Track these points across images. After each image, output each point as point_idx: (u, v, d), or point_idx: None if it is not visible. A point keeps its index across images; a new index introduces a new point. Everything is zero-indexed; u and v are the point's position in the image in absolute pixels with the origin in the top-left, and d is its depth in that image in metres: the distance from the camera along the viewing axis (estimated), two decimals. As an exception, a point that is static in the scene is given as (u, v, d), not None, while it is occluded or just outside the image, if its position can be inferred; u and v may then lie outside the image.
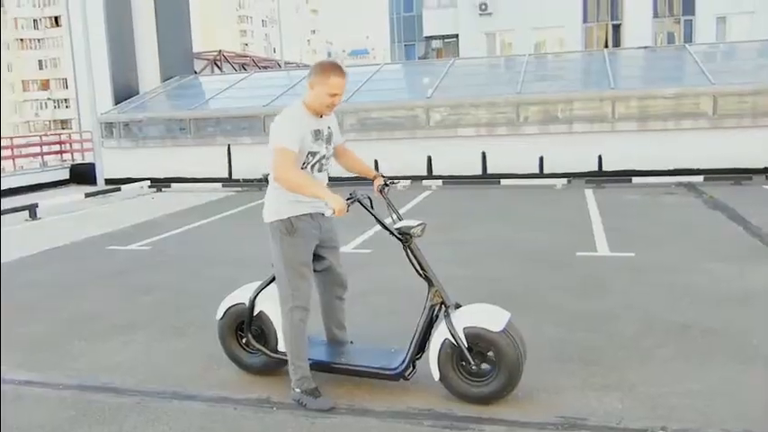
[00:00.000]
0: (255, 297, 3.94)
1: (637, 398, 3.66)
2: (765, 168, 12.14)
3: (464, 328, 3.53)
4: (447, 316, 3.59)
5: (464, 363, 3.59)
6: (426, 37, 29.64)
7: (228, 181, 14.75)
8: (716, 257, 6.74)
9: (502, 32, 26.93)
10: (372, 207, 3.67)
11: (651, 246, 7.34)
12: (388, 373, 3.69)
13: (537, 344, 4.13)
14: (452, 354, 3.59)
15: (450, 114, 13.95)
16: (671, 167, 12.42)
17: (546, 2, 25.53)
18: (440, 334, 3.62)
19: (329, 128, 3.70)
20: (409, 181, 12.86)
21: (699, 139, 12.31)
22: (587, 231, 8.23)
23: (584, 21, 26.93)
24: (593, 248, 7.34)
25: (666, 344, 4.44)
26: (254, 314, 3.96)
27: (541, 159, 13.07)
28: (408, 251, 3.63)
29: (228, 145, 14.83)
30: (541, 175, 13.04)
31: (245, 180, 14.47)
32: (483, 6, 26.40)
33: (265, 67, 26.63)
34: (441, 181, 13.28)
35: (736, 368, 4.03)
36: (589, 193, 11.27)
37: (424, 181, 13.37)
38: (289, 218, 3.57)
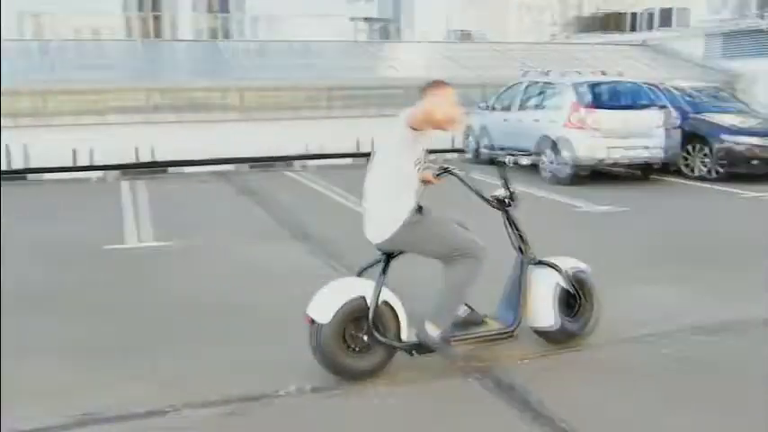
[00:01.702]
0: (380, 288, 3.78)
1: (162, 381, 3.83)
2: (287, 156, 13.50)
3: (572, 274, 4.19)
4: (555, 267, 4.16)
5: (569, 304, 4.21)
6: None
7: None
8: (246, 239, 7.30)
9: (37, 15, 24.85)
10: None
11: (188, 233, 7.59)
12: (506, 333, 4.04)
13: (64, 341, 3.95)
14: (562, 298, 4.15)
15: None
16: (206, 157, 12.99)
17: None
18: (547, 283, 4.12)
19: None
20: None
21: (230, 131, 13.09)
22: (119, 223, 8.13)
23: (126, 9, 26.45)
24: (123, 240, 7.30)
25: (198, 325, 4.72)
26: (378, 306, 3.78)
27: (74, 152, 12.46)
28: (506, 218, 4.14)
29: None
30: (76, 168, 12.44)
31: None
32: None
33: None
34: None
35: (256, 346, 4.45)
36: (126, 185, 11.15)
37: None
38: (408, 214, 3.76)
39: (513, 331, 4.05)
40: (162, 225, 8.02)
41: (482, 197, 4.10)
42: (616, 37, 23.24)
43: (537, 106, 11.55)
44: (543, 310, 4.11)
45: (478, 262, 3.80)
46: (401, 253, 3.94)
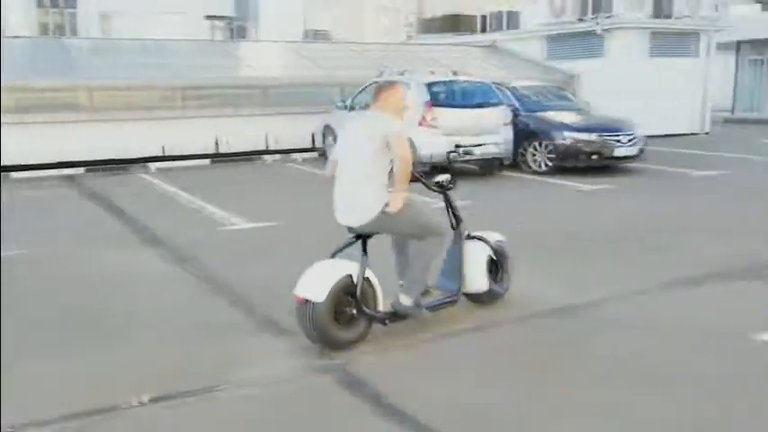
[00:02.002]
0: (365, 266, 4.27)
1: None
2: (142, 158, 13.10)
3: (495, 245, 4.94)
4: (485, 240, 4.90)
5: (492, 271, 4.91)
6: None
7: None
8: (94, 245, 7.09)
9: None
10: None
11: (32, 242, 7.26)
12: (454, 298, 4.71)
13: None
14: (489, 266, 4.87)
15: None
16: (54, 160, 12.35)
17: None
18: (480, 254, 4.86)
19: None
20: None
21: (79, 132, 12.53)
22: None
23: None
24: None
25: (48, 336, 4.61)
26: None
27: None
28: (445, 200, 4.82)
29: None
30: None
31: None
32: None
33: None
34: None
35: (106, 356, 4.34)
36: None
37: None
38: (386, 200, 4.28)
39: (458, 297, 4.75)
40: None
41: (424, 183, 4.73)
42: (468, 38, 24.28)
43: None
44: (478, 276, 4.84)
45: (443, 239, 4.52)
46: (375, 234, 4.44)
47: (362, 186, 4.32)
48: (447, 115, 11.01)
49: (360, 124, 4.57)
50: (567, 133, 11.82)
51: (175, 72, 14.28)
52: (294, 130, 14.37)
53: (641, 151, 12.05)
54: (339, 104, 13.31)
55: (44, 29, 26.81)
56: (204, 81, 14.33)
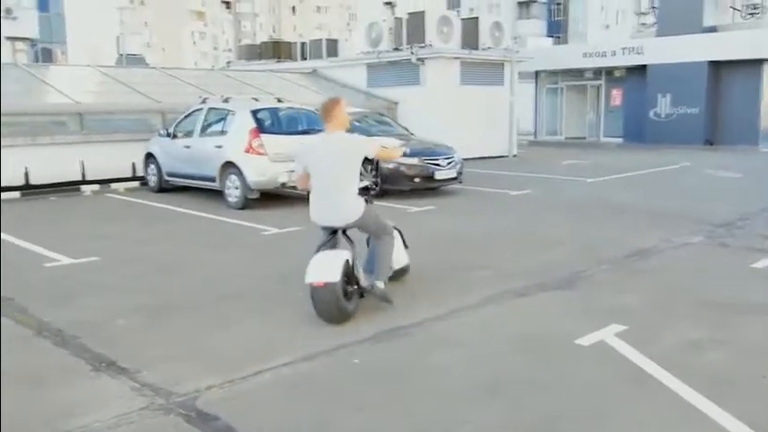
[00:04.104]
0: (356, 252, 5.57)
1: None
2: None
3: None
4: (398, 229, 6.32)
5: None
6: None
7: None
8: None
9: None
10: None
11: None
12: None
13: None
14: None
15: None
16: None
17: None
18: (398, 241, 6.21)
19: None
20: None
21: None
22: None
23: None
24: None
25: None
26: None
27: None
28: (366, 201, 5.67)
29: None
30: None
31: None
32: None
33: None
34: None
35: None
36: None
37: None
38: (364, 200, 5.61)
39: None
40: None
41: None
42: (289, 65, 24.53)
43: (219, 132, 11.72)
44: (401, 255, 6.26)
45: (392, 237, 5.83)
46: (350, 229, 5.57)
47: (347, 195, 5.45)
48: (274, 142, 11.06)
49: (337, 147, 5.48)
50: (402, 159, 12.25)
51: (-25, 98, 13.13)
52: (113, 159, 13.73)
53: (460, 174, 12.81)
54: (162, 132, 12.93)
55: None
56: (11, 107, 13.29)
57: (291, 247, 7.98)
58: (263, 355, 4.69)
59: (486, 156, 19.22)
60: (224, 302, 6.00)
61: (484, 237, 8.98)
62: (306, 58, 25.68)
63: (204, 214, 10.55)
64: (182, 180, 12.51)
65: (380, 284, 5.53)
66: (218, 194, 11.53)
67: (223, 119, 11.81)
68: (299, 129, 11.87)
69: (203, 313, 5.71)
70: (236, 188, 11.07)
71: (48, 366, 4.58)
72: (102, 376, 4.40)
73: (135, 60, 31.47)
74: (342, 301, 5.19)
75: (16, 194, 12.60)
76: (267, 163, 10.88)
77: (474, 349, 4.89)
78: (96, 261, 7.58)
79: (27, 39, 32.44)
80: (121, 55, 33.03)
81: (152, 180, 13.23)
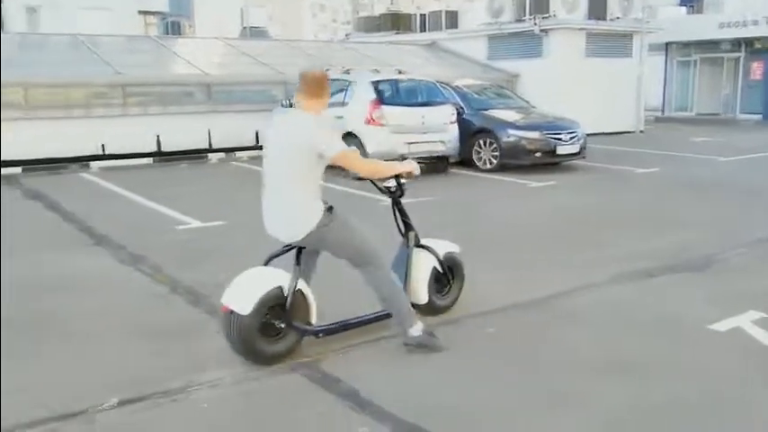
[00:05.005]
0: (296, 279, 3.99)
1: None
2: (80, 157, 12.71)
3: (445, 256, 4.76)
4: (432, 251, 4.67)
5: (441, 281, 4.79)
6: None
7: None
8: (40, 246, 6.86)
9: None
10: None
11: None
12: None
13: None
14: (435, 277, 4.70)
15: None
16: (-13, 160, 11.89)
17: None
18: (425, 266, 4.62)
19: None
20: None
21: (13, 131, 12.06)
22: None
23: None
24: None
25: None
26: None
27: None
28: (394, 204, 4.49)
29: None
30: None
31: None
32: None
33: None
34: None
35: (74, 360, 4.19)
36: None
37: None
38: (323, 210, 3.99)
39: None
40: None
41: (376, 185, 4.52)
42: (407, 36, 24.44)
43: (340, 103, 11.83)
44: (419, 289, 4.61)
45: (379, 266, 4.14)
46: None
47: (290, 198, 4.01)
48: (394, 113, 11.08)
49: (285, 131, 4.10)
50: (511, 131, 12.04)
51: (113, 68, 13.90)
52: (237, 128, 14.18)
53: (583, 149, 12.38)
54: (284, 103, 13.19)
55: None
56: (145, 78, 14.01)
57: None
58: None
59: (610, 131, 18.46)
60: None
61: (609, 214, 8.63)
62: (425, 30, 25.51)
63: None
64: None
65: (413, 332, 4.19)
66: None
67: (344, 90, 11.91)
68: (419, 101, 11.83)
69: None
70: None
71: (182, 322, 4.80)
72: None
73: (258, 33, 32.28)
74: (254, 340, 3.89)
75: (149, 161, 13.28)
76: (387, 134, 10.92)
77: (601, 328, 4.71)
78: (224, 225, 7.87)
79: (158, 12, 34.01)
80: (245, 27, 33.99)
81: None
